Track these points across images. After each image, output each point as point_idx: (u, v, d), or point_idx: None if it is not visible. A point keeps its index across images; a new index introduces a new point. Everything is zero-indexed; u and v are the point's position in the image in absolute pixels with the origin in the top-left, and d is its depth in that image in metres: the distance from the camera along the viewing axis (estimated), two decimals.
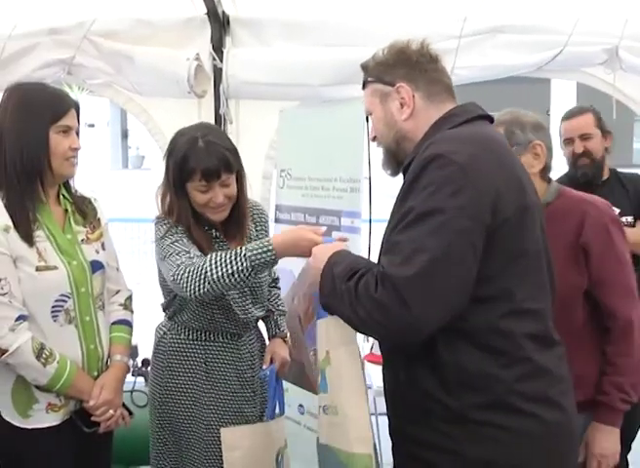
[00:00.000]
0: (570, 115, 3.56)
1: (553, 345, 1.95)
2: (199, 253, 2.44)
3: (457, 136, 1.91)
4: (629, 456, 3.17)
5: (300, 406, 3.46)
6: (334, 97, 3.48)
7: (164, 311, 2.72)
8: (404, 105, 2.01)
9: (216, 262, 2.27)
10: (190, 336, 2.63)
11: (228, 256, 2.26)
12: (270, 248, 2.24)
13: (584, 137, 3.47)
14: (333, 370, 1.99)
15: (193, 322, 2.62)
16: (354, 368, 1.98)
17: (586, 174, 3.46)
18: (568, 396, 1.94)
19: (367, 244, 3.02)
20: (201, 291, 2.28)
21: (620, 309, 2.42)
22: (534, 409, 1.85)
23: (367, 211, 3.12)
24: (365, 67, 2.11)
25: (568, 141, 3.52)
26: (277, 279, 2.91)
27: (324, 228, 2.30)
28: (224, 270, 2.25)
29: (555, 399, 1.89)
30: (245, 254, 2.24)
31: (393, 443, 2.04)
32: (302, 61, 3.52)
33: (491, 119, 2.05)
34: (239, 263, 2.24)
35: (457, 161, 1.79)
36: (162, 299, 2.72)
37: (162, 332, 2.70)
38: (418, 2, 3.55)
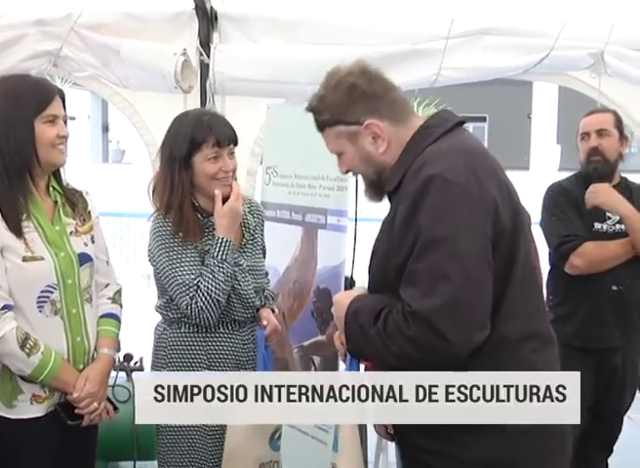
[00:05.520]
0: (590, 112, 3.40)
1: (549, 344, 1.97)
2: (194, 265, 2.58)
3: (447, 152, 1.88)
4: (610, 459, 3.22)
5: None
6: None
7: (163, 314, 2.73)
8: (378, 139, 1.96)
9: (214, 280, 2.55)
10: (191, 329, 2.66)
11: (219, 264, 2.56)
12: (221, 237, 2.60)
13: (601, 133, 3.28)
14: (341, 434, 2.13)
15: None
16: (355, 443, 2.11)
17: (598, 170, 3.25)
18: None
19: (352, 242, 3.02)
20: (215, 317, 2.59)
21: None
22: None
23: (353, 209, 3.12)
24: (314, 110, 2.02)
25: (584, 137, 3.33)
26: (267, 273, 2.94)
27: None
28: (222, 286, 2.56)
29: None
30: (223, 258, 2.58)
31: (397, 446, 2.12)
32: (290, 59, 3.52)
33: (463, 122, 2.01)
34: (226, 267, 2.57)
35: (454, 181, 1.79)
36: (154, 299, 2.74)
37: (162, 329, 2.72)
38: (405, 2, 3.57)
